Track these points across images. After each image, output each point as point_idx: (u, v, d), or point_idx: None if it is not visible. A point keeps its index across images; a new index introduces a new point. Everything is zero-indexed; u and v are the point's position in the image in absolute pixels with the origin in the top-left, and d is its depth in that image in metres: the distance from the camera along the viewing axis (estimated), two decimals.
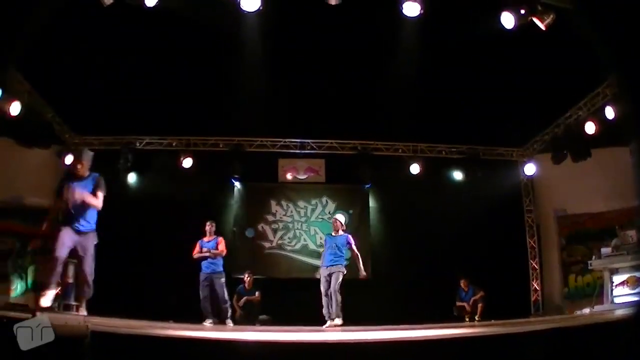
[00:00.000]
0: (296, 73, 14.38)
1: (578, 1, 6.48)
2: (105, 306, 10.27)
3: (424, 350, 5.06)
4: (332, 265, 12.77)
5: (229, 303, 14.02)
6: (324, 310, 12.59)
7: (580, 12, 5.87)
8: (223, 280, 13.78)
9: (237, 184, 18.69)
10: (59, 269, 9.02)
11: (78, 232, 9.14)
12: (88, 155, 9.51)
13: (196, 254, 13.84)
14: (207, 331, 8.82)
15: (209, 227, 14.12)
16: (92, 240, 9.38)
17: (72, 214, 9.12)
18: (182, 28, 12.51)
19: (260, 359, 4.83)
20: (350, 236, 13.35)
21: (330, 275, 12.71)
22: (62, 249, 8.91)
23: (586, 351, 4.85)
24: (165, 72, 13.96)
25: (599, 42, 4.63)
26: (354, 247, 13.15)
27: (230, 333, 7.93)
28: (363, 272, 13.15)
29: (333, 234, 13.36)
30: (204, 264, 13.78)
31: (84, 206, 9.17)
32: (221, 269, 13.87)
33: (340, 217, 13.64)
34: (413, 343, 5.57)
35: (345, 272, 12.78)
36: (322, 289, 12.75)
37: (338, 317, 12.26)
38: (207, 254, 13.71)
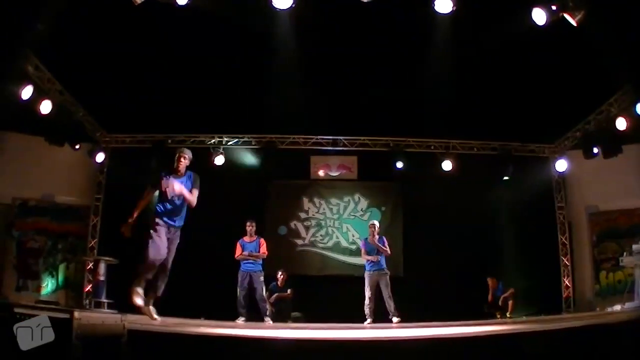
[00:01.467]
0: (328, 70, 14.42)
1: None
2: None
3: (456, 348, 5.11)
4: (377, 270, 13.69)
5: (267, 302, 14.25)
6: (366, 310, 13.40)
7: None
8: (262, 278, 14.06)
9: (270, 182, 18.84)
10: (156, 268, 9.39)
11: (170, 228, 9.59)
12: (189, 154, 9.87)
13: (239, 256, 14.04)
14: (241, 329, 8.87)
15: (249, 227, 14.30)
16: (178, 238, 9.83)
17: (169, 208, 9.56)
18: (215, 26, 12.61)
19: (296, 356, 4.88)
20: (384, 238, 14.17)
21: (376, 280, 13.61)
22: (162, 248, 9.40)
23: (616, 349, 4.88)
24: (197, 70, 14.11)
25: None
26: (386, 247, 13.96)
27: (265, 331, 7.93)
28: (388, 251, 14.06)
29: (370, 238, 13.84)
30: (243, 262, 13.98)
31: (180, 201, 9.59)
32: (261, 267, 14.13)
33: (377, 223, 14.21)
34: (446, 340, 5.67)
35: (389, 273, 13.73)
36: (367, 292, 13.59)
37: (396, 316, 13.23)
38: (250, 258, 13.96)
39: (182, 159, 9.72)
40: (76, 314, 4.37)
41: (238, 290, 13.80)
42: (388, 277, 13.72)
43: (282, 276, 16.01)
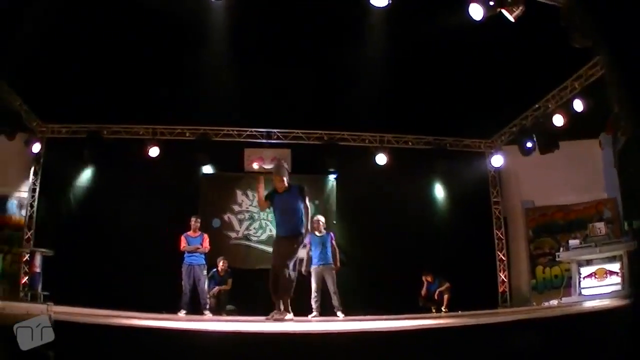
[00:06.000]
0: (263, 62, 14.22)
1: None
2: (81, 297, 10.26)
3: (389, 341, 5.06)
4: (324, 265, 13.74)
5: (207, 295, 14.35)
6: (313, 303, 13.53)
7: None
8: (205, 272, 14.47)
9: (203, 173, 18.60)
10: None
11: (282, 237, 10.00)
12: (285, 171, 10.20)
13: (184, 248, 14.29)
14: (175, 321, 8.70)
15: (194, 222, 14.59)
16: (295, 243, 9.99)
17: (280, 223, 10.12)
18: (150, 15, 12.27)
19: (224, 349, 4.76)
20: (332, 234, 14.28)
21: (322, 273, 13.70)
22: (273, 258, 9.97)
23: (553, 342, 4.86)
24: (132, 60, 13.81)
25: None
26: (334, 243, 14.06)
27: (195, 323, 7.86)
28: (338, 265, 13.92)
29: (317, 233, 13.87)
30: (187, 255, 14.23)
31: (292, 215, 9.88)
32: (203, 261, 14.48)
33: (322, 218, 14.19)
34: (378, 334, 5.62)
35: (335, 268, 13.86)
36: (314, 285, 13.64)
37: (340, 310, 13.35)
38: (195, 250, 14.30)
39: (281, 182, 10.06)
40: (0, 303, 4.26)
41: (183, 283, 14.04)
42: (334, 271, 13.76)
43: (222, 264, 15.85)
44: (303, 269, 13.64)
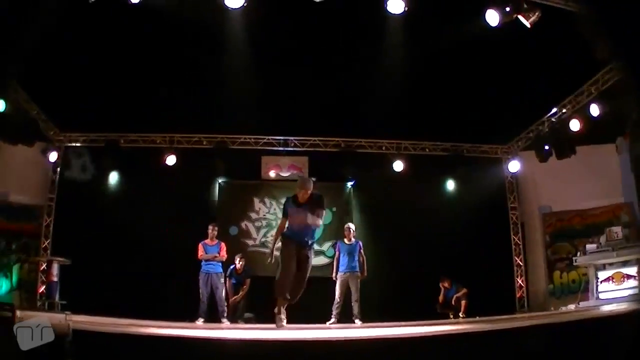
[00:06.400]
0: (280, 70, 14.17)
1: None
2: (98, 306, 10.32)
3: (407, 348, 5.05)
4: (351, 272, 13.92)
5: (225, 303, 14.33)
6: (334, 310, 13.69)
7: None
8: (222, 280, 14.45)
9: (221, 182, 18.59)
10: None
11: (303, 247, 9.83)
12: (310, 183, 10.03)
13: (202, 256, 14.25)
14: (194, 329, 8.77)
15: (211, 230, 14.53)
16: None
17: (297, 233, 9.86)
18: (167, 25, 12.36)
19: (243, 357, 4.82)
20: (360, 243, 14.40)
21: (348, 280, 13.88)
22: (292, 262, 9.65)
23: (570, 347, 4.85)
24: (150, 69, 13.85)
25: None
26: (362, 252, 14.25)
27: (216, 331, 7.89)
28: (365, 274, 14.15)
29: (346, 241, 14.16)
30: (204, 264, 14.20)
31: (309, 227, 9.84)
32: (220, 269, 14.46)
33: (352, 226, 14.43)
34: (397, 340, 5.61)
35: (360, 276, 14.07)
36: (338, 291, 13.84)
37: (358, 318, 13.56)
38: (212, 259, 14.26)
39: (305, 192, 9.91)
40: (18, 313, 4.40)
41: (201, 291, 13.99)
42: (359, 280, 13.87)
43: (240, 262, 15.67)
44: (333, 276, 13.99)
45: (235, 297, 15.39)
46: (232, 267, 15.52)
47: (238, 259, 15.71)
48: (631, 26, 4.16)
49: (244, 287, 15.59)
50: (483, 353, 4.85)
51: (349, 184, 18.80)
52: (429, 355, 4.82)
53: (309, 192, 9.74)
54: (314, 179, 10.13)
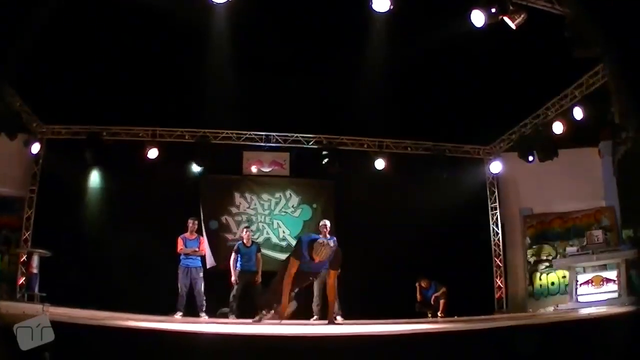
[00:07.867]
0: (263, 66, 14.20)
1: None
2: (78, 298, 10.25)
3: (383, 345, 5.01)
4: (326, 269, 13.40)
5: (204, 297, 14.23)
6: (314, 308, 13.89)
7: None
8: (202, 274, 14.36)
9: (202, 176, 18.59)
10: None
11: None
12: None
13: (182, 250, 14.24)
14: (171, 323, 8.69)
15: (191, 224, 14.49)
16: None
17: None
18: (151, 19, 12.26)
19: (220, 351, 4.72)
20: (335, 238, 13.80)
21: (325, 277, 13.29)
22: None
23: (549, 348, 4.81)
24: (132, 61, 13.78)
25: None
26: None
27: (193, 325, 7.84)
28: (338, 269, 13.76)
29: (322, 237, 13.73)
30: (183, 257, 14.22)
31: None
32: (200, 264, 14.51)
33: (328, 223, 14.36)
34: (372, 338, 5.60)
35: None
36: (316, 289, 13.78)
37: (339, 314, 13.53)
38: (192, 253, 14.26)
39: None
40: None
41: (179, 285, 14.00)
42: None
43: (247, 233, 15.09)
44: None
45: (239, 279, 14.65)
46: (239, 242, 15.04)
47: (245, 231, 15.29)
48: (623, 28, 4.13)
49: (258, 263, 14.84)
50: (460, 352, 4.80)
51: (330, 181, 18.82)
52: (404, 353, 4.74)
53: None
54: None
